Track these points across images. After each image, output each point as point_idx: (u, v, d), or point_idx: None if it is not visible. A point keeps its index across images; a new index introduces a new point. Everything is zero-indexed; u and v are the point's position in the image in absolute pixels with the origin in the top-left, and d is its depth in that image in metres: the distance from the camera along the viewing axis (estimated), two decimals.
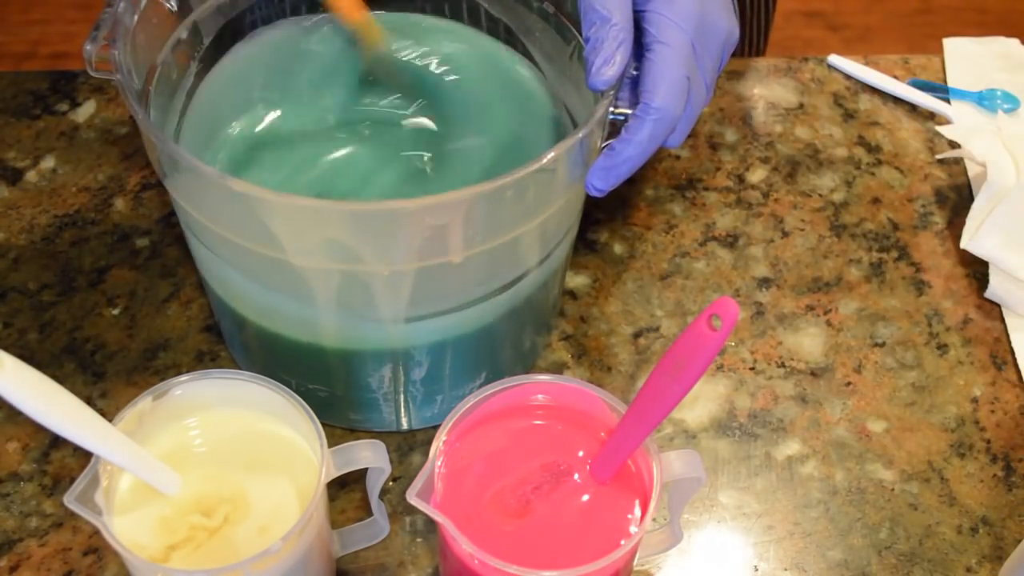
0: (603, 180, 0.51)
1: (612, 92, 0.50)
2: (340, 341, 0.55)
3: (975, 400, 0.64)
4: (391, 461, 0.50)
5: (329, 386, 0.58)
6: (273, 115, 0.60)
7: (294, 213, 0.47)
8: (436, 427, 0.61)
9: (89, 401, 0.60)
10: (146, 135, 0.49)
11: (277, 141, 0.59)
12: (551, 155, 0.47)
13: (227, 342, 0.63)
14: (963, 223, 0.70)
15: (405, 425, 0.60)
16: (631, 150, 0.50)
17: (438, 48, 0.62)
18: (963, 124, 0.78)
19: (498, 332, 0.57)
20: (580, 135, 0.48)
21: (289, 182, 0.56)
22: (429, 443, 0.56)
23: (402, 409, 0.59)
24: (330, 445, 0.48)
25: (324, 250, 0.48)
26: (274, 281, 0.53)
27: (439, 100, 0.61)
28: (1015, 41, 0.86)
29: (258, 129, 0.59)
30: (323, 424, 0.61)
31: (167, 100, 0.57)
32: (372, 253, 0.48)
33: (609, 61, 0.49)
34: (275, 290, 0.53)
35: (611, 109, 0.50)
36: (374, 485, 0.50)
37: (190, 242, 0.56)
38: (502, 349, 0.60)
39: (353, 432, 0.60)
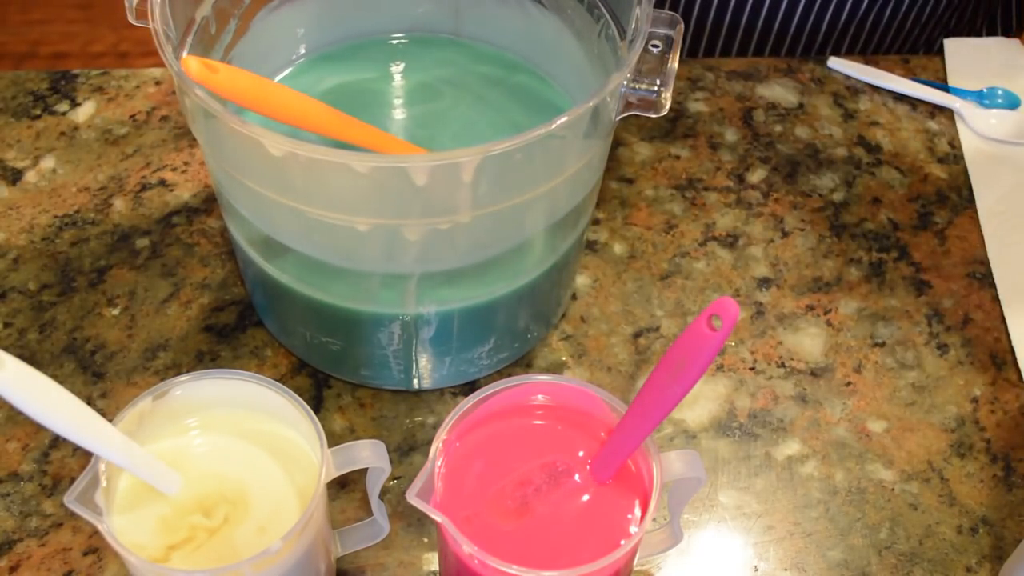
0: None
1: (629, 66, 0.50)
2: (349, 293, 0.56)
3: (975, 400, 0.64)
4: (391, 461, 0.50)
5: (341, 340, 0.58)
6: (311, 75, 0.61)
7: (297, 161, 0.47)
8: (444, 389, 0.62)
9: (89, 401, 0.60)
10: (178, 84, 0.49)
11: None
12: (561, 120, 0.47)
13: (250, 295, 0.65)
14: (963, 223, 0.70)
15: (415, 385, 0.61)
16: None
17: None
18: (963, 123, 0.78)
19: (507, 301, 0.58)
20: (591, 104, 0.48)
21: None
22: (429, 443, 0.56)
23: (412, 368, 0.60)
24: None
25: (336, 200, 0.49)
26: (283, 228, 0.53)
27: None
28: (1015, 41, 0.86)
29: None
30: (336, 379, 0.62)
31: (203, 55, 0.57)
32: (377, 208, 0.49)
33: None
34: (286, 237, 0.54)
35: (626, 84, 0.50)
36: (374, 485, 0.50)
37: (221, 199, 0.57)
38: (510, 318, 0.60)
39: (362, 387, 0.62)
